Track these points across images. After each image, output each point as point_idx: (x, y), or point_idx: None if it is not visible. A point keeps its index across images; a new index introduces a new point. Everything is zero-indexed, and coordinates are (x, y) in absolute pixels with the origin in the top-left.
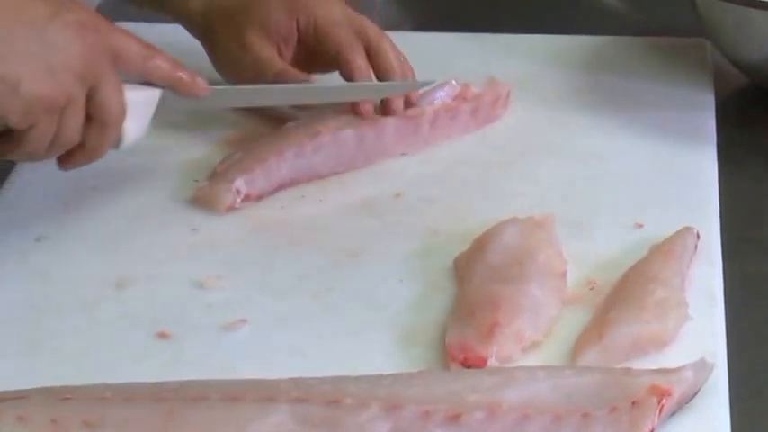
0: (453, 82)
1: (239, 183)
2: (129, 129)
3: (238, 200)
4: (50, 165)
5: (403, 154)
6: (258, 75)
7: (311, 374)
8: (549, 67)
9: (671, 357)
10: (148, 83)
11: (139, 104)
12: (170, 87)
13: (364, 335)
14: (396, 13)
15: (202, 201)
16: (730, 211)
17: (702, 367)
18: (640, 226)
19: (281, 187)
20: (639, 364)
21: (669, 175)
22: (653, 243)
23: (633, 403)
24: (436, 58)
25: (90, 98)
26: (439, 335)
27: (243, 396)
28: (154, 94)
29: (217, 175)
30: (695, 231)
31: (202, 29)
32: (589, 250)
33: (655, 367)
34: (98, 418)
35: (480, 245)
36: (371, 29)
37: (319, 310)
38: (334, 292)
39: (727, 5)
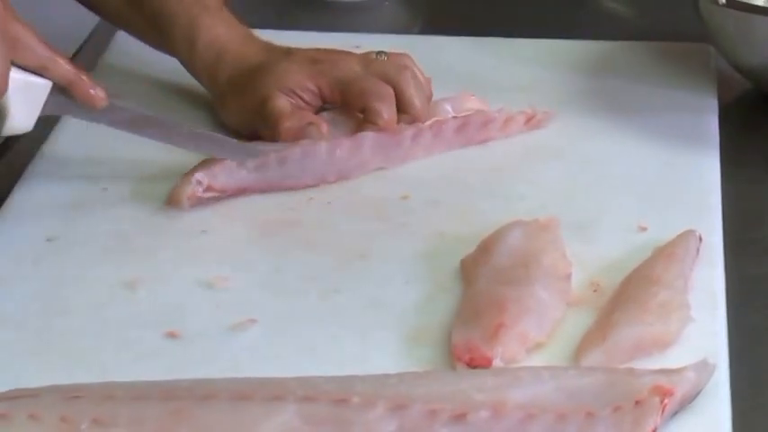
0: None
1: (200, 175)
2: (14, 111)
3: (200, 189)
4: (62, 166)
5: (380, 168)
6: (266, 118)
7: (318, 374)
8: (555, 72)
9: (673, 358)
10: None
11: (27, 89)
12: (66, 86)
13: (371, 335)
14: (404, 17)
15: (169, 198)
16: (732, 214)
17: (704, 368)
18: (644, 229)
19: (248, 190)
20: (642, 365)
21: (672, 179)
22: (656, 246)
23: (636, 403)
24: (443, 62)
25: None
26: (445, 335)
27: (251, 395)
28: (45, 84)
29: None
30: (698, 234)
31: (218, 91)
32: (593, 253)
33: (657, 368)
34: (108, 417)
35: (486, 247)
36: (391, 69)
37: (327, 310)
38: (342, 293)
39: (729, 11)
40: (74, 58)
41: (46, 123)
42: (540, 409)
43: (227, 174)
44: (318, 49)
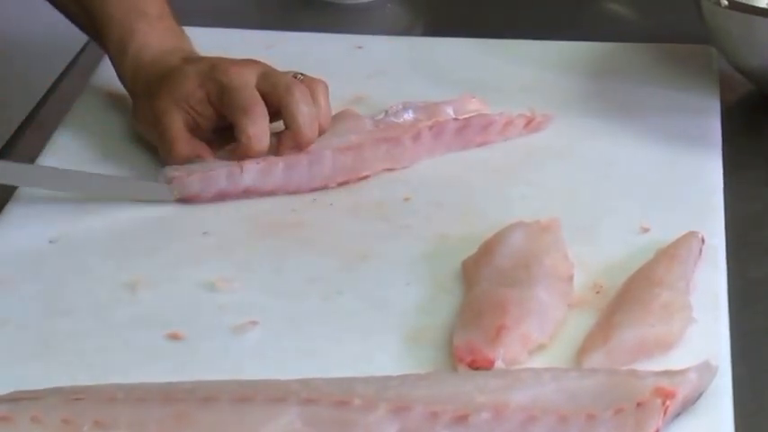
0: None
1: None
2: None
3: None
4: (65, 168)
5: (389, 170)
6: (159, 136)
7: (320, 376)
8: (558, 73)
9: (675, 360)
10: None
11: None
12: None
13: (373, 336)
14: (405, 18)
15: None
16: (735, 216)
17: (707, 370)
18: (646, 230)
19: (253, 193)
20: (644, 367)
21: (675, 180)
22: (658, 247)
23: (638, 405)
24: (445, 63)
25: None
26: (446, 337)
27: (253, 397)
28: None
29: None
30: (700, 235)
31: (129, 90)
32: (595, 254)
33: (659, 369)
34: (110, 419)
35: (488, 248)
36: (281, 83)
37: (329, 311)
38: (344, 295)
39: (731, 13)
40: (72, 65)
41: (46, 125)
42: (541, 410)
43: (230, 177)
44: (225, 59)
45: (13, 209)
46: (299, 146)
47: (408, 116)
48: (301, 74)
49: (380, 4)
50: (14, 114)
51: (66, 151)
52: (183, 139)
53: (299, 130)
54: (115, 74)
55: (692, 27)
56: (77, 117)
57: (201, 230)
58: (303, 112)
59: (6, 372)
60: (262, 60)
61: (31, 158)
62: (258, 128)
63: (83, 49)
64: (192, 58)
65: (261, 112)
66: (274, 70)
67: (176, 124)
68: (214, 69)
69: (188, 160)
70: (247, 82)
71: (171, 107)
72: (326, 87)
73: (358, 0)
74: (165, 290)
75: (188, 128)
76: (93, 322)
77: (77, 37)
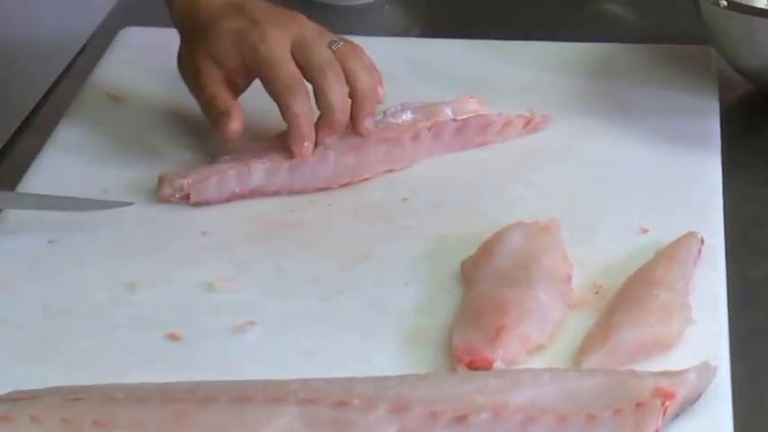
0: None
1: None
2: None
3: (176, 195)
4: (63, 168)
5: (389, 171)
6: (195, 93)
7: (319, 376)
8: (556, 74)
9: (675, 360)
10: None
11: None
12: None
13: (372, 337)
14: (404, 19)
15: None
16: (734, 216)
17: (706, 370)
18: (645, 230)
19: (256, 194)
20: (643, 367)
21: (674, 181)
22: (658, 247)
23: (637, 405)
24: (443, 64)
25: None
26: (446, 337)
27: (252, 397)
28: None
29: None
30: (699, 236)
31: (179, 29)
32: (594, 254)
33: (659, 370)
34: (109, 419)
35: (487, 249)
36: (315, 61)
37: (328, 312)
38: (343, 295)
39: (730, 14)
40: (71, 65)
41: (45, 125)
42: (540, 411)
43: (240, 178)
44: (264, 13)
45: (12, 209)
46: (333, 128)
47: (407, 117)
48: (336, 39)
49: (379, 5)
50: (14, 114)
51: (65, 151)
52: (220, 98)
53: (332, 114)
54: (114, 73)
55: (692, 27)
56: (77, 117)
57: (201, 231)
58: (336, 93)
59: (5, 372)
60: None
61: (31, 158)
62: (306, 107)
63: (82, 49)
64: (231, 6)
65: (304, 91)
66: (310, 37)
67: (214, 81)
68: (250, 32)
69: (213, 101)
70: (286, 58)
71: (209, 64)
72: (362, 51)
73: (357, 2)
74: (163, 290)
75: (225, 84)
76: (91, 322)
77: (77, 37)
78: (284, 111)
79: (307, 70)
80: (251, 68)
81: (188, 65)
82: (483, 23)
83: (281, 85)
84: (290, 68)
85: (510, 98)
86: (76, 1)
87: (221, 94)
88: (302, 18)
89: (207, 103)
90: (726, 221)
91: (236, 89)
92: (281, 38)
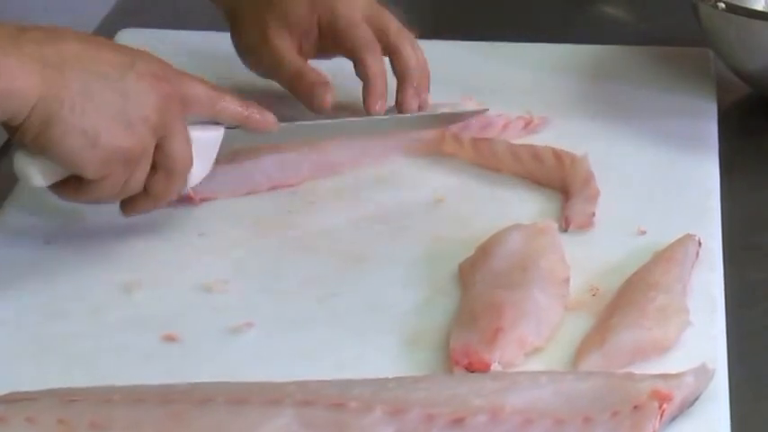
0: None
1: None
2: (194, 171)
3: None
4: None
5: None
6: (275, 68)
7: (316, 378)
8: (554, 76)
9: (672, 363)
10: (213, 122)
11: (204, 146)
12: (240, 125)
13: (369, 339)
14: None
15: None
16: (731, 218)
17: (703, 373)
18: (643, 233)
19: (254, 191)
20: (641, 370)
21: (672, 183)
22: (655, 249)
23: (635, 408)
24: (443, 65)
25: (159, 147)
26: (443, 339)
27: (249, 399)
28: (218, 135)
29: None
30: (697, 238)
31: (229, 9)
32: (592, 256)
33: (656, 372)
34: (105, 420)
35: (484, 251)
36: (392, 27)
37: (325, 314)
38: (340, 297)
39: (729, 16)
40: None
41: None
42: (538, 413)
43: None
44: None
45: (8, 210)
46: (419, 91)
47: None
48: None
49: None
50: None
51: None
52: (308, 69)
53: (413, 75)
54: None
55: (690, 30)
56: None
57: (197, 232)
58: (419, 54)
59: (2, 373)
60: None
61: None
62: (382, 65)
63: None
64: None
65: (380, 51)
66: (379, 8)
67: (294, 55)
68: None
69: (301, 78)
70: (362, 19)
71: (284, 36)
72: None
73: None
74: (160, 291)
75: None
76: (88, 324)
77: (84, 28)
78: (362, 68)
79: (384, 33)
80: (327, 28)
81: (256, 39)
82: (483, 25)
83: (360, 42)
84: (367, 29)
85: (509, 100)
86: (75, 2)
87: (306, 65)
88: None
89: (295, 76)
90: (723, 223)
91: (305, 58)
92: (356, 1)
